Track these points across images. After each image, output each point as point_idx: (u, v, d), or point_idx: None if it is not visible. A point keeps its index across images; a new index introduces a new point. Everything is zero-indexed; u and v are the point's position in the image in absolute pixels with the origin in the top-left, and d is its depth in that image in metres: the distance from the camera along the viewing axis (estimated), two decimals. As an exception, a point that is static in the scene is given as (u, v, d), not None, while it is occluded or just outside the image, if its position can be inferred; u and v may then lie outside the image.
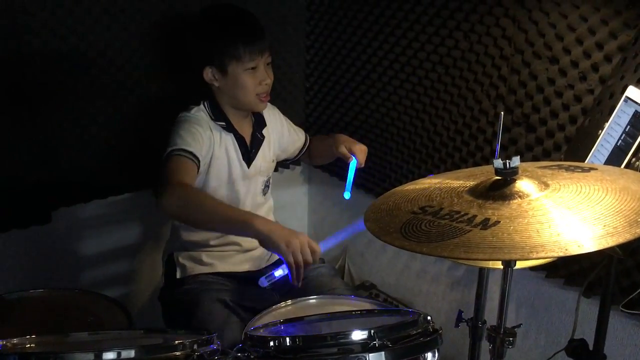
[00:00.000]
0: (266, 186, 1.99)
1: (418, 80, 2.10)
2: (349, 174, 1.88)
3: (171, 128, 1.76)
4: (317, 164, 2.36)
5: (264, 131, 1.94)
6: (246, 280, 1.87)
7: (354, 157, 1.87)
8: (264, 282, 1.63)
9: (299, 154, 2.12)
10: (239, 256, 1.91)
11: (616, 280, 1.58)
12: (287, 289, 1.87)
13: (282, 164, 2.39)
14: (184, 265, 1.88)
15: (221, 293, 1.79)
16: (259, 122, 1.94)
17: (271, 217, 2.02)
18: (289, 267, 1.50)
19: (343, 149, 1.89)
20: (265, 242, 1.51)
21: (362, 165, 1.90)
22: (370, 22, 2.19)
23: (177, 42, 2.02)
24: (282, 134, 2.04)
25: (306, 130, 2.19)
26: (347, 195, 1.88)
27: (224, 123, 1.82)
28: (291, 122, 2.10)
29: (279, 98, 2.31)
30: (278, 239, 1.48)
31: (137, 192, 2.21)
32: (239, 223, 1.55)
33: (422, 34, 2.04)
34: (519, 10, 1.75)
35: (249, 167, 1.88)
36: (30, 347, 1.20)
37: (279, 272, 1.58)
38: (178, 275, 1.87)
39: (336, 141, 1.92)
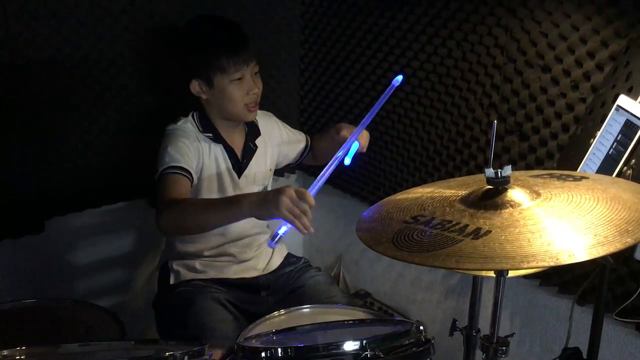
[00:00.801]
0: None
1: (411, 89, 2.11)
2: (349, 150, 1.72)
3: (159, 144, 1.76)
4: (322, 162, 2.23)
5: (258, 141, 1.93)
6: (240, 286, 1.87)
7: (356, 141, 1.77)
8: (271, 243, 1.59)
9: (301, 157, 2.08)
10: (234, 267, 1.90)
11: (609, 289, 1.58)
12: (283, 295, 1.88)
13: (280, 171, 2.38)
14: (177, 271, 1.88)
15: (216, 294, 1.79)
16: (252, 132, 1.93)
17: (266, 227, 2.02)
18: (291, 223, 1.47)
19: (345, 133, 1.81)
20: (258, 214, 1.49)
21: (364, 150, 1.82)
22: (364, 31, 2.20)
23: (169, 52, 2.03)
24: (280, 141, 2.01)
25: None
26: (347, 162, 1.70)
27: (211, 134, 1.82)
28: (289, 127, 2.07)
29: (273, 107, 2.31)
30: (268, 208, 1.45)
31: (131, 201, 2.21)
32: (230, 207, 1.54)
33: (415, 43, 2.04)
34: (511, 19, 1.76)
35: (239, 177, 1.87)
36: (20, 358, 1.19)
37: (282, 230, 1.52)
38: (172, 282, 1.87)
39: (338, 128, 1.84)
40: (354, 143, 1.74)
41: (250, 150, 1.90)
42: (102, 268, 2.27)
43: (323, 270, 2.01)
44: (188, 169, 1.71)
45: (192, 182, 1.72)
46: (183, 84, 1.80)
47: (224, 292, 1.82)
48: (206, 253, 1.88)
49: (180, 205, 1.60)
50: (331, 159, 1.62)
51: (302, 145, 2.06)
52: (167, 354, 1.12)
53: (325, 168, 1.58)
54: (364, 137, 1.83)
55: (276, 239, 1.54)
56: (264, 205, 1.46)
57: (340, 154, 1.64)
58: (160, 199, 1.64)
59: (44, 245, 2.07)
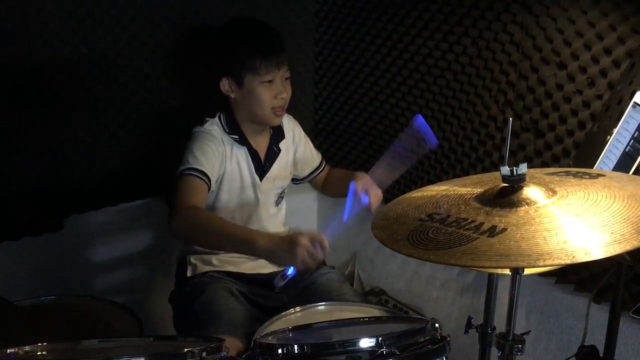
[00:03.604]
0: (280, 197, 1.99)
1: (426, 86, 2.11)
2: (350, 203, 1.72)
3: (186, 143, 1.79)
4: (328, 194, 2.19)
5: (282, 144, 1.95)
6: (256, 281, 1.89)
7: (365, 197, 1.75)
8: (279, 282, 1.62)
9: (309, 175, 2.08)
10: (250, 263, 1.92)
11: (626, 287, 1.57)
12: (296, 292, 1.89)
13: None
14: (195, 264, 1.90)
15: (229, 284, 1.82)
16: (277, 135, 1.94)
17: (282, 226, 2.03)
18: (302, 271, 1.50)
19: (359, 187, 1.75)
20: (271, 260, 1.53)
21: (373, 211, 1.75)
22: (378, 29, 2.20)
23: (189, 52, 2.05)
24: (297, 147, 2.03)
25: (315, 137, 2.19)
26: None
27: (237, 136, 1.84)
28: (311, 143, 2.08)
29: (288, 105, 2.32)
30: (283, 255, 1.48)
31: (148, 199, 2.23)
32: (244, 244, 1.57)
33: (430, 40, 2.04)
34: (526, 16, 1.75)
35: (261, 180, 1.89)
36: (41, 354, 1.21)
37: (290, 271, 1.56)
38: (188, 274, 1.89)
39: (356, 178, 1.79)
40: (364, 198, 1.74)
41: (273, 153, 1.92)
42: (119, 265, 2.29)
43: (337, 269, 2.02)
44: (208, 174, 1.73)
45: (209, 187, 1.74)
46: (209, 83, 1.81)
47: (238, 285, 1.84)
48: (222, 252, 1.89)
49: (195, 217, 1.62)
50: (335, 197, 1.64)
51: (313, 165, 2.08)
52: (185, 350, 1.13)
53: (345, 213, 1.63)
54: (377, 197, 1.79)
55: (285, 279, 1.58)
56: (278, 253, 1.48)
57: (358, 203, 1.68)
58: (176, 200, 1.66)
59: (62, 243, 2.10)
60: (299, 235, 1.46)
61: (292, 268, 1.55)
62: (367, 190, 1.75)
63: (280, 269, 1.92)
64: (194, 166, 1.72)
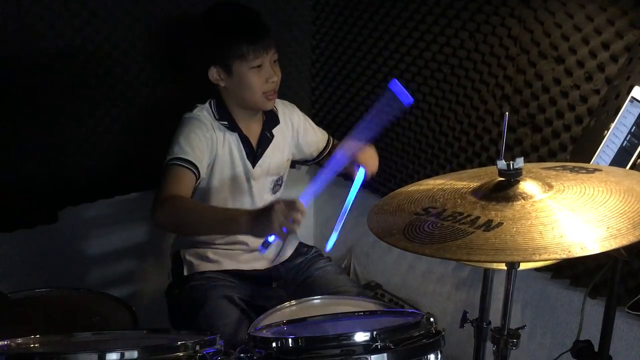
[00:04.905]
0: (277, 185, 1.97)
1: (423, 80, 2.10)
2: (350, 190, 1.72)
3: (174, 131, 1.77)
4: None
5: (275, 130, 1.92)
6: (254, 278, 1.88)
7: (361, 167, 1.77)
8: (262, 250, 1.61)
9: (319, 156, 2.07)
10: (246, 255, 1.91)
11: (622, 282, 1.58)
12: (293, 287, 1.88)
13: (292, 163, 2.36)
14: (190, 262, 1.88)
15: (228, 290, 1.79)
16: (271, 121, 1.91)
17: None
18: (284, 236, 1.49)
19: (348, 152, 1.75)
20: (254, 233, 1.52)
21: (374, 174, 1.79)
22: (375, 22, 2.19)
23: (182, 42, 2.03)
24: (298, 132, 2.00)
25: (312, 130, 2.17)
26: (332, 241, 1.65)
27: (226, 122, 1.82)
28: (313, 124, 2.05)
29: (285, 98, 2.30)
30: (262, 224, 1.47)
31: (143, 192, 2.21)
32: (227, 223, 1.57)
33: (428, 34, 2.03)
34: (524, 10, 1.74)
35: (253, 166, 1.87)
36: (34, 347, 1.20)
37: (272, 237, 1.54)
38: (185, 273, 1.87)
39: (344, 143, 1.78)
40: (360, 170, 1.74)
41: (266, 139, 1.89)
42: (114, 258, 2.28)
43: (333, 261, 2.02)
44: (196, 163, 1.71)
45: (197, 177, 1.72)
46: (198, 73, 1.79)
47: (237, 287, 1.82)
48: (218, 241, 1.88)
49: (177, 206, 1.61)
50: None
51: (320, 145, 2.05)
52: (179, 342, 1.13)
53: (318, 176, 1.60)
54: (371, 158, 1.80)
55: (266, 246, 1.56)
56: (258, 222, 1.48)
57: (336, 166, 1.66)
58: (160, 190, 1.65)
59: (57, 235, 2.09)
60: (274, 201, 1.46)
61: (272, 235, 1.53)
62: (357, 158, 1.75)
63: (276, 264, 1.93)
64: (179, 155, 1.70)
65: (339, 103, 2.46)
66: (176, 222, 1.63)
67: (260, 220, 1.47)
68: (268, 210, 1.45)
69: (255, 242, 1.89)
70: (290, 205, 1.44)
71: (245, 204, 1.88)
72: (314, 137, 2.03)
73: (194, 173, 1.71)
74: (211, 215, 1.63)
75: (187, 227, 1.67)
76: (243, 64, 1.74)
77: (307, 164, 2.17)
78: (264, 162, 1.89)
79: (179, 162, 1.69)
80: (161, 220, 1.62)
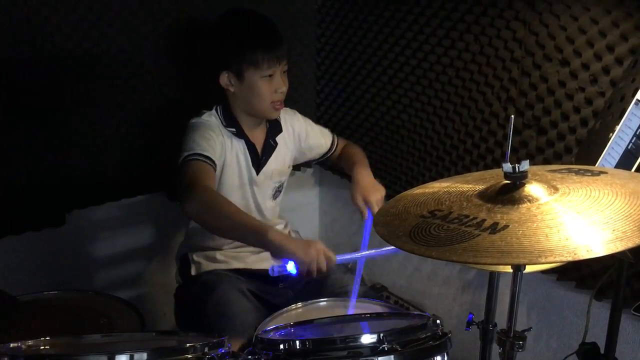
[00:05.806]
0: (277, 190, 1.99)
1: (429, 82, 2.10)
2: (364, 234, 1.78)
3: (184, 134, 1.78)
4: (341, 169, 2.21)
5: (279, 137, 1.94)
6: (261, 277, 1.88)
7: (369, 214, 1.79)
8: (274, 270, 1.62)
9: (322, 157, 2.08)
10: (254, 257, 1.93)
11: (627, 284, 1.57)
12: (300, 287, 1.89)
13: (297, 165, 2.38)
14: (198, 262, 1.90)
15: (237, 283, 1.81)
16: (274, 129, 1.93)
17: (278, 219, 2.03)
18: (302, 273, 1.51)
19: (359, 200, 1.80)
20: (279, 252, 1.53)
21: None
22: (380, 25, 2.20)
23: (190, 46, 2.04)
24: (300, 138, 2.01)
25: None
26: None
27: (234, 129, 1.83)
28: (315, 126, 2.06)
29: (290, 101, 2.30)
30: (295, 249, 1.51)
31: (150, 195, 2.23)
32: (255, 234, 1.57)
33: (433, 37, 2.04)
34: (529, 12, 1.74)
35: (257, 173, 1.89)
36: (44, 349, 1.21)
37: (290, 267, 1.55)
38: (193, 272, 1.89)
39: (354, 186, 1.83)
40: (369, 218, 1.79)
41: (270, 146, 1.91)
42: (121, 260, 2.30)
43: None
44: (213, 159, 1.71)
45: (215, 172, 1.73)
46: (208, 77, 1.80)
47: (245, 282, 1.84)
48: (225, 247, 1.90)
49: (211, 199, 1.61)
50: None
51: (324, 148, 2.06)
52: (187, 345, 1.13)
53: (361, 252, 1.71)
54: (380, 201, 1.81)
55: (280, 271, 1.57)
56: (289, 248, 1.51)
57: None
58: (187, 183, 1.63)
59: (64, 238, 2.10)
60: (319, 242, 1.55)
61: (295, 266, 1.55)
62: (367, 198, 1.79)
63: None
64: (198, 151, 1.70)
65: (344, 106, 2.47)
66: (208, 215, 1.61)
67: (293, 246, 1.52)
68: (311, 243, 1.52)
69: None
70: (327, 254, 1.52)
71: (246, 209, 1.90)
72: (316, 141, 2.05)
73: (213, 168, 1.71)
74: (242, 220, 1.61)
75: (217, 223, 1.63)
76: (255, 72, 1.76)
77: (313, 162, 2.19)
78: (267, 169, 1.91)
79: (198, 157, 1.69)
80: (193, 209, 1.60)
